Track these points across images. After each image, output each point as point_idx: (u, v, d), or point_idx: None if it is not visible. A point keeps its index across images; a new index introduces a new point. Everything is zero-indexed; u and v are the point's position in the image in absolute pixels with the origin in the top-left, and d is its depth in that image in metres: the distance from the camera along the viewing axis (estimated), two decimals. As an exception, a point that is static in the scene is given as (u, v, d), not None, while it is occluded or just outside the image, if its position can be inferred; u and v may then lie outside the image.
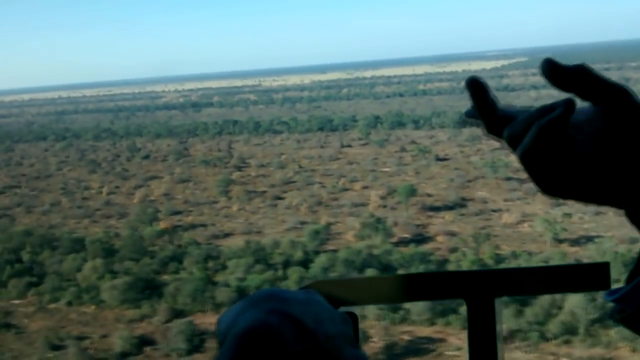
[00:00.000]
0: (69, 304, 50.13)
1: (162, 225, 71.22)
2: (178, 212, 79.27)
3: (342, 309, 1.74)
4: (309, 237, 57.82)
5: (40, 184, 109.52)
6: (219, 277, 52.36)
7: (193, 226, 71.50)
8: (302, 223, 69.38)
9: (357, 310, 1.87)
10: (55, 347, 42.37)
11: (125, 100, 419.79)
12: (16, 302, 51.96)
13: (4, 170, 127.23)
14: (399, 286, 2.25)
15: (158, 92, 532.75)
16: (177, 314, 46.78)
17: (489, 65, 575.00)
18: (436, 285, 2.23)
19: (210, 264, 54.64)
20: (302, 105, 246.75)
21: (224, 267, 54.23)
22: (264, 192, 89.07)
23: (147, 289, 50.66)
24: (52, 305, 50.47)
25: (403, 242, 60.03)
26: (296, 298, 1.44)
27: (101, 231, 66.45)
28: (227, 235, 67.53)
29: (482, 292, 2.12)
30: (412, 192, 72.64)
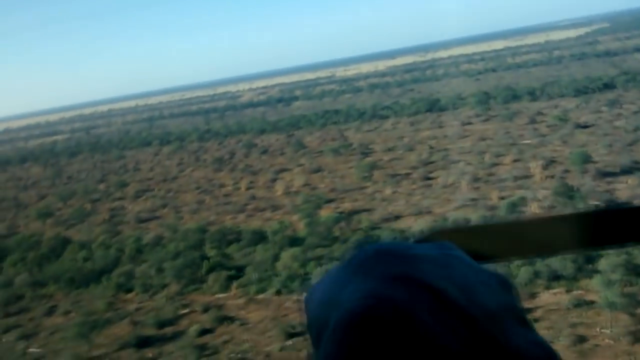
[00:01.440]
0: (278, 292, 50.37)
1: (323, 213, 71.33)
2: (330, 200, 79.06)
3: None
4: (506, 210, 56.19)
5: (171, 185, 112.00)
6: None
7: (356, 211, 70.99)
8: (473, 199, 67.86)
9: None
10: (291, 335, 42.43)
11: (205, 103, 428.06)
12: (221, 295, 52.68)
13: (125, 177, 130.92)
14: (566, 229, 1.65)
15: (233, 92, 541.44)
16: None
17: (570, 34, 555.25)
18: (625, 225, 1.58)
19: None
20: (394, 90, 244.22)
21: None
22: (408, 174, 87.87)
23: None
24: (260, 296, 50.84)
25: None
26: (428, 256, 0.97)
27: (276, 223, 66.64)
28: (397, 217, 66.65)
29: None
30: (585, 159, 69.75)
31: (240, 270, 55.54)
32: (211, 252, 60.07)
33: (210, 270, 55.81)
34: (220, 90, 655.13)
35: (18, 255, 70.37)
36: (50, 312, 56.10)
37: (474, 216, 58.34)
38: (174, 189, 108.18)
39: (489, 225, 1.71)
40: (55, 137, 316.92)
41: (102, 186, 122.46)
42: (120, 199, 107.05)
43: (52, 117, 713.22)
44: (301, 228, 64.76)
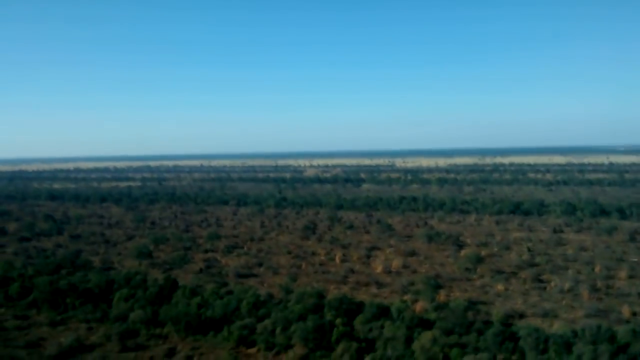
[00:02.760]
0: (417, 375, 46.81)
1: (440, 298, 68.12)
2: (439, 286, 75.66)
3: None
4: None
5: (260, 245, 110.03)
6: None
7: (474, 303, 67.42)
8: (601, 310, 63.71)
9: None
10: None
11: (269, 172, 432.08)
12: (353, 367, 49.34)
13: (210, 230, 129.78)
14: None
15: (295, 166, 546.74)
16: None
17: (631, 159, 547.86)
18: None
19: (553, 348, 49.86)
20: (465, 187, 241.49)
21: (571, 351, 49.31)
22: (514, 272, 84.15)
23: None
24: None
25: None
26: None
27: (398, 301, 63.48)
28: (521, 316, 62.84)
29: None
30: None
31: (369, 344, 52.29)
32: (335, 320, 56.94)
33: (339, 338, 52.71)
34: (281, 162, 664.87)
35: (127, 291, 68.57)
36: (170, 354, 53.48)
37: (608, 327, 54.30)
38: (264, 249, 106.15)
39: None
40: (127, 183, 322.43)
41: (188, 236, 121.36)
42: (211, 251, 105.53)
43: (119, 164, 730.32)
44: (424, 310, 61.43)
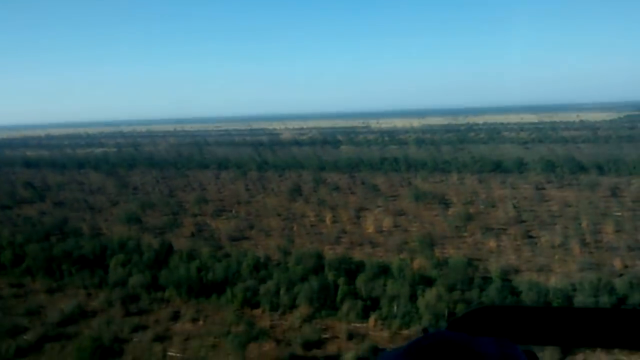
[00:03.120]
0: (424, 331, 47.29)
1: (437, 256, 68.70)
2: (432, 245, 76.27)
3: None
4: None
5: (248, 208, 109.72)
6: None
7: (470, 260, 68.16)
8: (594, 264, 64.96)
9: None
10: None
11: (245, 136, 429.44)
12: (360, 325, 49.76)
13: (195, 194, 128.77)
14: (608, 324, 1.62)
15: (270, 130, 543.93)
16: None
17: (601, 116, 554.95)
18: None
19: (555, 302, 50.76)
20: (444, 147, 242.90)
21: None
22: (503, 229, 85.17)
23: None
24: (405, 332, 47.88)
25: None
26: (489, 355, 0.99)
27: (397, 259, 63.88)
28: (516, 271, 63.74)
29: None
30: None
31: (373, 302, 52.66)
32: (337, 280, 57.16)
33: (343, 297, 52.98)
34: (255, 126, 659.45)
35: (124, 257, 67.92)
36: (175, 317, 53.31)
37: (604, 280, 55.46)
38: (252, 212, 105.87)
39: (525, 308, 1.73)
40: (102, 149, 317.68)
41: (174, 200, 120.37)
42: (199, 215, 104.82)
43: (91, 130, 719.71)
44: (423, 267, 61.90)
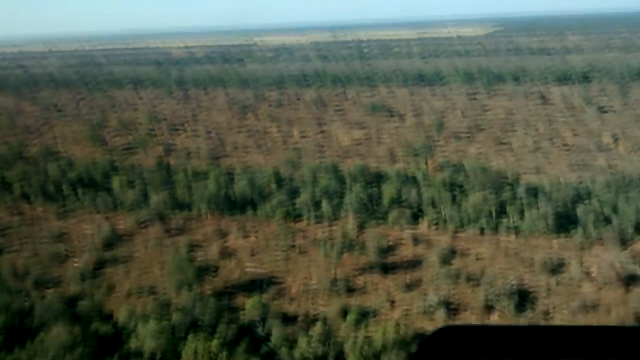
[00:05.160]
0: (481, 232, 48.76)
1: (435, 162, 69.87)
2: (418, 153, 77.26)
3: None
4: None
5: (202, 126, 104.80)
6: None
7: (461, 165, 69.94)
8: (580, 164, 68.96)
9: None
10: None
11: (133, 55, 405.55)
12: (415, 230, 50.16)
13: (129, 113, 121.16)
14: (552, 340, 1.74)
15: (155, 48, 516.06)
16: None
17: (469, 32, 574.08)
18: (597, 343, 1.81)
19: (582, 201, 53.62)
20: (353, 63, 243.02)
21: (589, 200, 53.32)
22: (468, 136, 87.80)
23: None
24: (462, 234, 48.97)
25: None
26: None
27: (412, 167, 64.23)
28: (517, 173, 66.27)
29: None
30: None
31: (419, 208, 53.13)
32: (368, 190, 56.84)
33: (390, 205, 52.99)
34: (132, 44, 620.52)
35: (126, 178, 63.33)
36: (221, 234, 50.99)
37: (602, 178, 59.34)
38: (209, 129, 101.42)
39: (490, 327, 1.73)
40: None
41: (117, 119, 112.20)
42: (156, 133, 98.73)
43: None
44: (442, 175, 62.72)
